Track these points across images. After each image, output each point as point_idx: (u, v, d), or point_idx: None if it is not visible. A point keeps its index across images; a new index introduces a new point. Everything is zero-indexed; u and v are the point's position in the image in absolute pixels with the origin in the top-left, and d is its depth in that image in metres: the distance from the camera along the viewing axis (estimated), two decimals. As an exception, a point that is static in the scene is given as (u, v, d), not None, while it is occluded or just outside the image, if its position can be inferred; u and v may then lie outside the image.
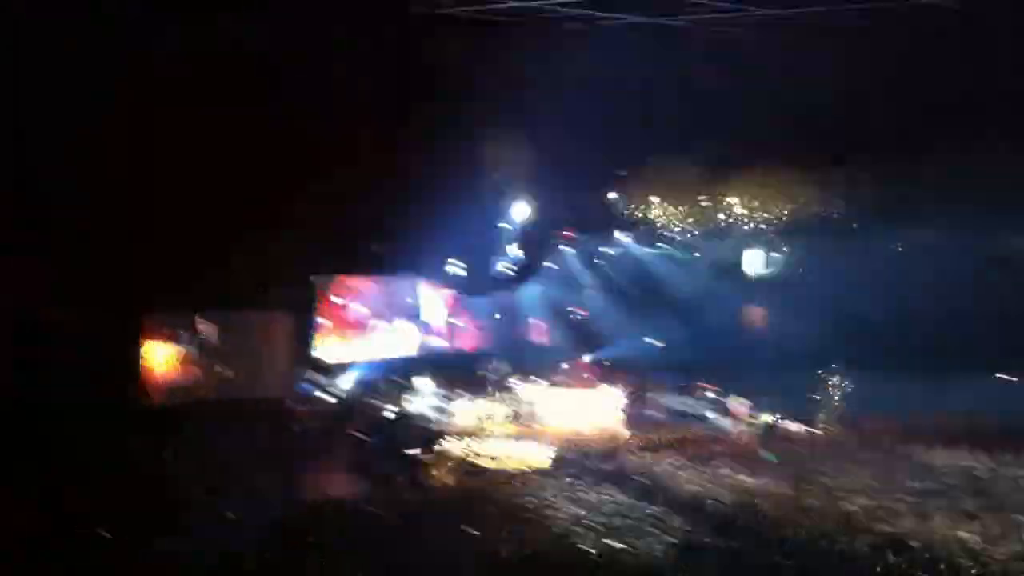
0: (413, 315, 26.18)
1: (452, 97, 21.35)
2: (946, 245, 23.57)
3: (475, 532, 14.78)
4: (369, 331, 25.29)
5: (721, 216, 24.65)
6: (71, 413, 17.62)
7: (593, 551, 14.25)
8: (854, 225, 24.31)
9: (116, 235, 18.85)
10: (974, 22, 17.89)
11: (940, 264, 23.31)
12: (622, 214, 25.54)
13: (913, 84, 21.15)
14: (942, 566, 13.86)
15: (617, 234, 25.73)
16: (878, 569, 13.77)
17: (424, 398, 23.90)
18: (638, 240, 25.67)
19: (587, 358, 25.99)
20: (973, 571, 13.75)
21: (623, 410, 23.36)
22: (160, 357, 21.21)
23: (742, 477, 18.48)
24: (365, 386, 24.14)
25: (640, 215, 25.42)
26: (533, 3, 17.34)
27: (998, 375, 25.64)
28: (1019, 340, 23.23)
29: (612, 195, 25.60)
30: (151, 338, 21.11)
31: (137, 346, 20.77)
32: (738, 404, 23.45)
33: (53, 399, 17.78)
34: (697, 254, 25.30)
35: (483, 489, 17.77)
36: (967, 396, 21.90)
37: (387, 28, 18.72)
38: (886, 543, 14.67)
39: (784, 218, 24.74)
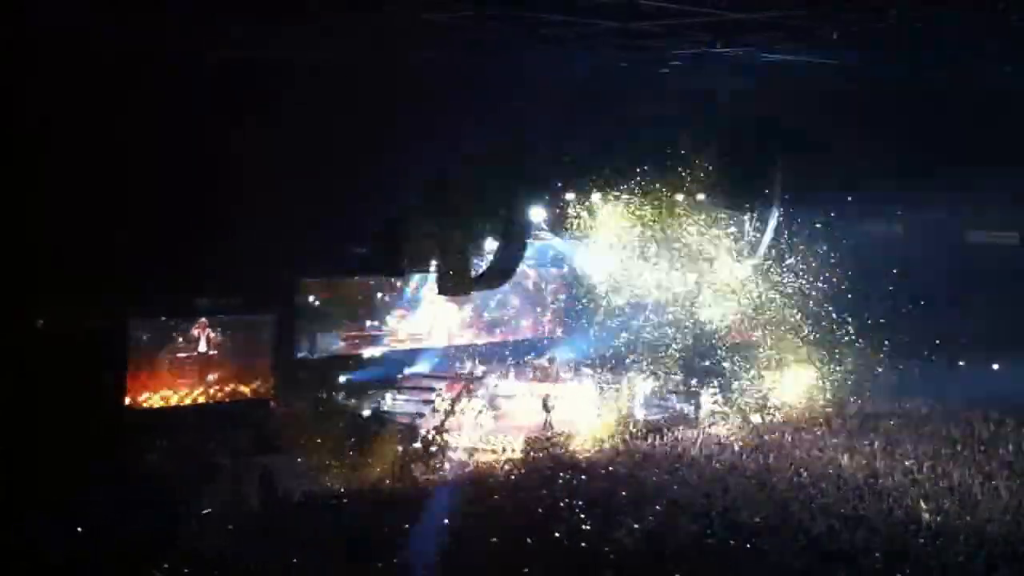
0: (395, 315, 26.75)
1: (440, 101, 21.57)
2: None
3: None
4: (353, 332, 25.80)
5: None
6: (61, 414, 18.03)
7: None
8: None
9: (99, 237, 19.10)
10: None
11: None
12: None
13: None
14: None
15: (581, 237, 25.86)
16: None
17: (404, 396, 24.55)
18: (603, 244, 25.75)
19: (562, 355, 26.71)
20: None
21: (593, 404, 23.93)
22: (145, 359, 21.66)
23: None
24: (346, 386, 24.69)
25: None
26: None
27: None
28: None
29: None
30: (136, 340, 21.51)
31: (124, 349, 21.12)
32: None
33: (43, 401, 18.14)
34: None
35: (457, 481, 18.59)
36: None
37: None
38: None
39: None
